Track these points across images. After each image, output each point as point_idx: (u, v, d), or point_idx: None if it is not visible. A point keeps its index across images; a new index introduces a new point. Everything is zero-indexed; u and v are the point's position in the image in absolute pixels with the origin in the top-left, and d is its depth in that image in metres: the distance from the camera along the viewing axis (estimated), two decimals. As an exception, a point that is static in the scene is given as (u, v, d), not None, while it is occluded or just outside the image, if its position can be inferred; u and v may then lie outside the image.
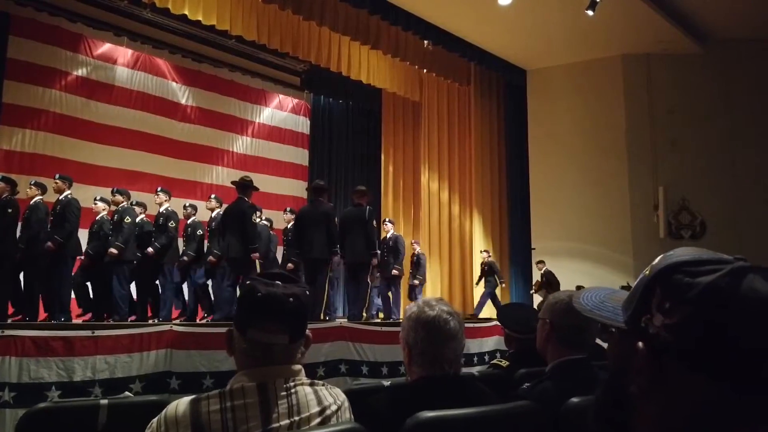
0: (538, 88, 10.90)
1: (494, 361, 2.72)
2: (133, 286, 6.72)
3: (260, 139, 11.31)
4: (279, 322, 1.28)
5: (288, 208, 8.59)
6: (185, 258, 7.10)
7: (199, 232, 7.32)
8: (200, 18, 8.18)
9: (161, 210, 6.97)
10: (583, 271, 9.44)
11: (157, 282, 6.88)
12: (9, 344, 3.67)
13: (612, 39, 9.59)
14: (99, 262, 6.39)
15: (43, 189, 6.21)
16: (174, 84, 10.20)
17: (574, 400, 1.60)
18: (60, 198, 6.16)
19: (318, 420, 1.28)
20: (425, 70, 10.81)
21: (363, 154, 12.07)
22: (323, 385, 1.37)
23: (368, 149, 12.03)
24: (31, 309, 5.88)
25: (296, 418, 1.25)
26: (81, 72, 9.11)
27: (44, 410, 1.65)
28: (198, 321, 6.81)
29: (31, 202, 6.07)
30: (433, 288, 10.55)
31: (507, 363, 2.67)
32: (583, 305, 0.74)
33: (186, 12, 7.99)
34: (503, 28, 9.37)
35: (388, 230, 8.33)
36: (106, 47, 9.41)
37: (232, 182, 6.24)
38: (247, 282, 1.35)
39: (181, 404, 1.22)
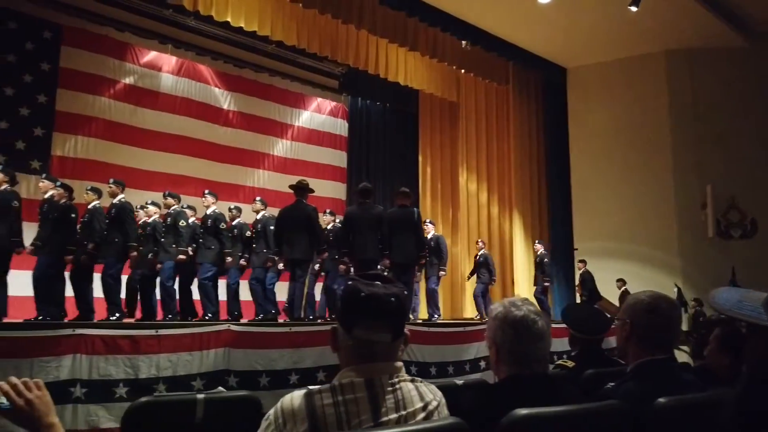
0: (578, 86, 10.78)
1: (559, 362, 2.73)
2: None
3: (299, 142, 11.46)
4: (382, 321, 1.34)
5: (328, 210, 8.67)
6: (230, 258, 7.24)
7: (246, 233, 7.46)
8: (242, 24, 8.36)
9: (208, 212, 7.12)
10: (629, 272, 9.29)
11: (205, 282, 7.03)
12: (80, 342, 3.84)
13: (655, 34, 9.43)
14: (151, 264, 6.58)
15: (99, 194, 6.44)
16: (216, 89, 10.43)
17: (662, 400, 1.62)
18: (114, 202, 6.37)
19: (422, 415, 1.33)
20: (463, 71, 10.81)
21: (400, 156, 12.10)
22: (421, 381, 1.42)
23: (406, 151, 12.06)
24: (90, 309, 6.10)
25: (403, 413, 1.31)
26: (128, 80, 9.40)
27: (147, 404, 1.74)
28: (247, 321, 6.94)
29: (89, 206, 6.29)
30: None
31: (572, 363, 2.68)
32: (722, 305, 0.76)
33: (228, 19, 8.18)
34: (542, 26, 9.30)
35: (429, 231, 8.36)
36: (151, 55, 9.69)
37: (290, 186, 6.38)
38: (349, 282, 1.41)
39: (295, 398, 1.28)
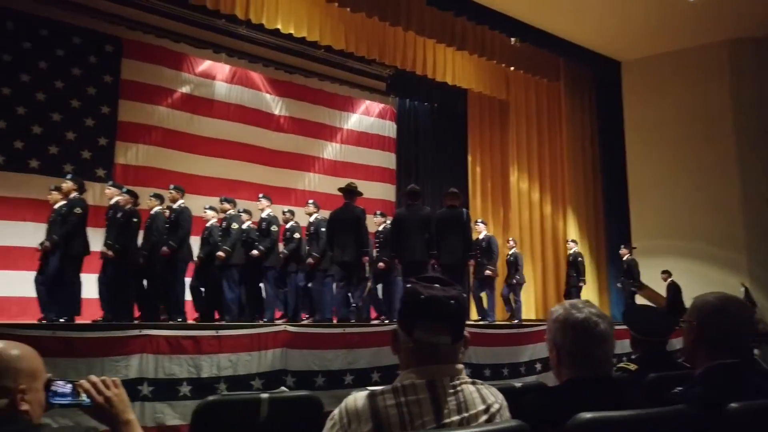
0: (634, 80, 10.45)
1: (621, 365, 2.66)
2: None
3: (348, 144, 11.58)
4: (442, 323, 1.35)
5: (378, 212, 8.72)
6: (283, 258, 7.39)
7: (297, 235, 7.60)
8: (291, 31, 8.53)
9: (263, 215, 7.29)
10: (691, 271, 8.93)
11: (261, 284, 7.22)
12: (146, 343, 4.02)
13: (717, 23, 9.02)
14: (210, 267, 6.81)
15: (161, 199, 6.72)
16: (268, 96, 10.67)
17: (734, 405, 1.56)
18: (174, 207, 6.64)
19: (485, 417, 1.34)
20: (512, 68, 10.66)
21: (449, 156, 12.04)
22: (482, 384, 1.42)
23: (455, 151, 11.99)
24: (153, 311, 6.36)
25: (465, 415, 1.31)
26: (185, 89, 9.74)
27: (215, 402, 1.81)
28: (301, 322, 7.08)
29: (152, 212, 6.57)
30: (527, 290, 10.36)
31: (635, 367, 2.61)
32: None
33: (279, 26, 8.36)
34: (594, 19, 9.07)
35: (481, 231, 8.28)
36: (206, 64, 10.01)
37: (339, 189, 6.48)
38: (408, 285, 1.43)
39: (358, 398, 1.31)
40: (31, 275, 6.39)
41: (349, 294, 6.21)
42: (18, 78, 8.17)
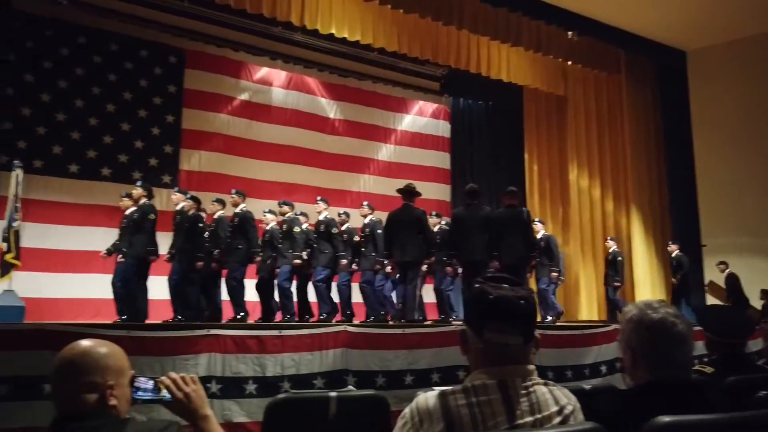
0: (700, 70, 9.97)
1: (697, 367, 2.55)
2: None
3: (402, 145, 11.61)
4: (512, 324, 1.34)
5: (434, 213, 8.68)
6: (344, 261, 7.48)
7: (355, 237, 7.68)
8: (345, 35, 8.63)
9: (321, 218, 7.41)
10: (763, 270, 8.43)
11: (320, 284, 7.33)
12: (214, 342, 4.16)
13: (791, 6, 8.50)
14: (270, 268, 6.98)
15: (222, 204, 6.95)
16: (323, 100, 10.85)
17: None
18: (237, 211, 6.85)
19: (558, 419, 1.31)
20: (569, 62, 10.39)
21: (505, 154, 11.85)
22: (554, 385, 1.39)
23: (510, 149, 11.79)
24: (218, 311, 6.59)
25: (538, 416, 1.30)
26: (244, 96, 10.03)
27: (285, 400, 1.86)
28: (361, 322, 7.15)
29: (215, 216, 6.81)
30: (588, 290, 10.09)
31: (711, 369, 2.49)
32: None
33: (333, 30, 8.47)
34: (656, 7, 8.71)
35: (539, 230, 8.11)
36: (263, 71, 10.28)
37: (398, 190, 6.50)
38: (476, 285, 1.42)
39: (429, 398, 1.31)
40: (105, 278, 6.75)
41: (393, 292, 6.22)
42: (90, 90, 8.64)
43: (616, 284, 8.77)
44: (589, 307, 10.01)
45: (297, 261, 6.81)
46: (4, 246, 6.46)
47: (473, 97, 12.10)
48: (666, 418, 1.35)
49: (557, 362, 5.51)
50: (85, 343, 1.44)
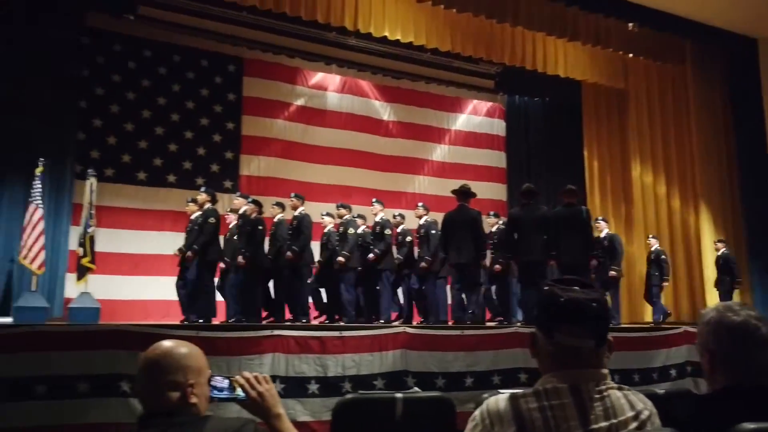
0: (774, 57, 9.41)
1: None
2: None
3: (457, 145, 11.54)
4: (584, 327, 1.31)
5: (491, 213, 8.59)
6: (398, 262, 7.52)
7: (409, 238, 7.69)
8: (399, 36, 8.65)
9: (377, 219, 7.48)
10: None
11: (378, 287, 7.39)
12: (277, 343, 4.28)
13: None
14: (329, 270, 7.10)
15: (282, 207, 7.12)
16: (376, 102, 10.92)
17: None
18: (296, 214, 7.00)
19: (634, 425, 1.28)
20: (630, 55, 10.04)
21: (563, 152, 11.55)
22: (629, 390, 1.36)
23: (569, 145, 11.48)
24: (279, 312, 6.75)
25: (614, 421, 1.27)
26: (300, 102, 10.23)
27: (353, 400, 1.89)
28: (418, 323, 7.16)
29: (275, 219, 6.99)
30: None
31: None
32: None
33: (386, 33, 8.52)
34: (724, -6, 8.30)
35: (602, 229, 7.88)
36: (318, 77, 10.45)
37: (453, 191, 6.49)
38: (545, 288, 1.40)
39: (500, 400, 1.31)
40: (173, 280, 7.05)
41: (463, 296, 6.17)
42: (156, 101, 9.04)
43: (665, 283, 8.41)
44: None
45: (340, 259, 6.86)
46: (80, 251, 6.83)
47: (529, 94, 11.89)
48: (749, 425, 1.30)
49: (623, 365, 5.34)
50: (167, 343, 1.52)
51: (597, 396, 1.28)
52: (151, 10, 8.61)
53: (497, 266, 7.24)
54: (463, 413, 1.48)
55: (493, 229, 7.94)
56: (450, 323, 6.49)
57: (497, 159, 11.84)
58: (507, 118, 12.00)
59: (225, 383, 1.56)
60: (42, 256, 6.58)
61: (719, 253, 8.64)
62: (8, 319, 6.03)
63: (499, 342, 4.98)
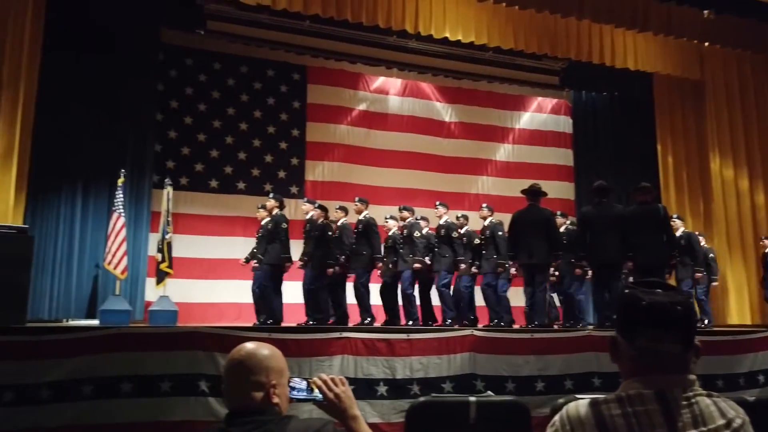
0: None
1: None
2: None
3: (521, 144, 11.33)
4: (668, 331, 1.26)
5: (559, 212, 8.36)
6: (463, 265, 7.45)
7: (476, 240, 7.61)
8: (460, 37, 8.60)
9: (441, 222, 7.45)
10: None
11: (443, 289, 7.35)
12: (346, 344, 4.35)
13: None
14: (396, 274, 7.14)
15: (346, 211, 7.23)
16: (438, 104, 10.90)
17: None
18: (360, 218, 7.09)
19: (726, 433, 1.22)
20: (706, 44, 9.52)
21: (634, 147, 11.08)
22: (719, 396, 1.30)
23: (640, 141, 11.00)
24: (345, 314, 6.85)
25: (703, 429, 1.21)
26: (362, 107, 10.36)
27: (427, 403, 1.90)
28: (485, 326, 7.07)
29: (339, 223, 7.11)
30: (739, 292, 9.13)
31: None
32: None
33: (447, 34, 8.48)
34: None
35: (678, 228, 7.51)
36: (380, 81, 10.55)
37: (522, 191, 6.38)
38: (626, 291, 1.36)
39: (581, 406, 1.28)
40: (243, 283, 7.31)
41: (538, 298, 6.04)
42: (225, 111, 9.42)
43: None
44: (739, 310, 9.06)
45: (417, 265, 6.89)
46: (159, 256, 7.21)
47: (596, 89, 11.50)
48: None
49: (706, 370, 5.06)
50: (250, 345, 1.58)
51: (685, 403, 1.23)
52: (220, 24, 8.97)
53: (577, 270, 7.05)
54: (536, 418, 1.45)
55: (562, 229, 7.72)
56: (519, 326, 6.38)
57: (564, 157, 11.53)
58: (574, 114, 11.66)
59: (303, 384, 1.60)
60: (125, 261, 7.00)
61: (766, 250, 8.04)
62: (95, 321, 6.45)
63: (571, 346, 4.84)
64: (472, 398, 1.86)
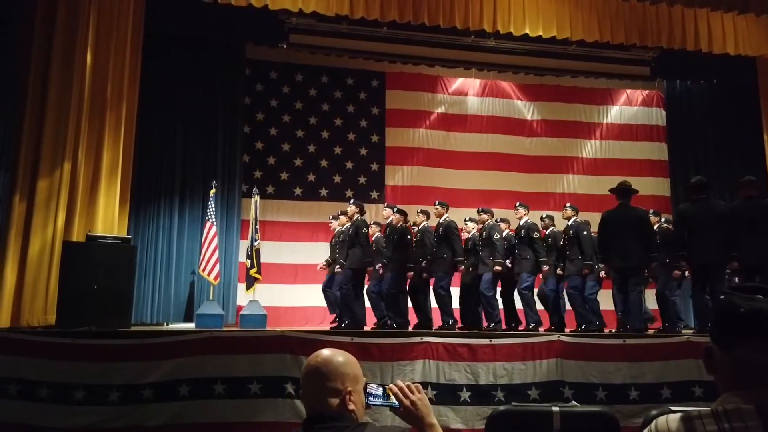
0: None
1: None
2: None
3: (610, 140, 10.82)
4: None
5: (651, 210, 7.88)
6: (546, 267, 7.19)
7: (561, 242, 7.33)
8: (540, 33, 8.31)
9: (521, 223, 7.24)
10: None
11: (525, 292, 7.14)
12: (427, 349, 4.33)
13: None
14: (476, 276, 7.03)
15: (427, 215, 7.21)
16: (519, 102, 10.64)
17: None
18: (440, 221, 7.04)
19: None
20: (819, 21, 8.65)
21: (737, 138, 10.25)
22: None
23: (743, 131, 10.16)
24: (428, 318, 6.83)
25: (814, 450, 1.09)
26: (440, 109, 10.32)
27: (507, 412, 1.85)
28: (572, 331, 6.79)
29: (419, 227, 7.10)
30: None
31: None
32: None
33: (527, 31, 8.24)
34: None
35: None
36: (458, 82, 10.46)
37: (611, 190, 6.10)
38: (723, 297, 1.26)
39: (671, 421, 1.19)
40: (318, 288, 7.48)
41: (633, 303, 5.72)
42: (308, 121, 9.71)
43: None
44: None
45: (497, 268, 6.75)
46: (248, 262, 7.54)
47: (692, 78, 10.73)
48: None
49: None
50: (326, 352, 1.61)
51: (790, 420, 1.11)
52: (301, 37, 9.23)
53: (676, 272, 6.62)
54: (629, 429, 1.37)
55: (656, 227, 7.28)
56: (610, 330, 6.07)
57: (658, 151, 10.88)
58: (667, 106, 10.99)
59: (379, 390, 1.61)
60: (217, 268, 7.39)
61: None
62: (191, 325, 6.85)
63: (668, 352, 4.54)
64: (556, 408, 1.79)
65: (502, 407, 1.83)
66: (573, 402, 1.96)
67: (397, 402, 1.58)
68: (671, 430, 1.18)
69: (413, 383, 1.65)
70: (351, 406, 1.52)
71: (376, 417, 3.22)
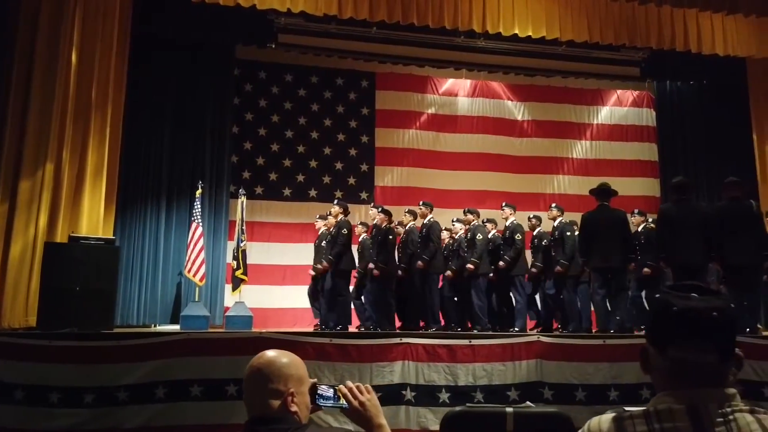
0: None
1: None
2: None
3: (600, 140, 10.82)
4: (703, 340, 1.13)
5: (636, 210, 7.86)
6: (534, 269, 7.19)
7: (545, 242, 7.32)
8: (530, 33, 8.31)
9: (507, 224, 7.23)
10: None
11: (511, 294, 7.12)
12: (407, 350, 4.31)
13: None
14: (459, 277, 7.01)
15: (414, 215, 7.20)
16: (509, 102, 10.63)
17: None
18: (424, 222, 7.03)
19: (770, 455, 1.07)
20: (807, 22, 8.66)
21: (726, 139, 10.25)
22: (765, 412, 1.14)
23: (733, 132, 10.17)
24: (412, 320, 6.80)
25: (740, 449, 1.07)
26: (430, 110, 10.30)
27: (461, 413, 1.83)
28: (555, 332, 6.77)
29: (406, 227, 7.09)
30: None
31: None
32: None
33: (516, 31, 8.24)
34: None
35: (775, 225, 6.82)
36: (448, 83, 10.44)
37: (590, 191, 6.10)
38: (657, 295, 1.24)
39: (603, 421, 1.18)
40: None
41: (607, 303, 5.70)
42: (297, 122, 9.68)
43: None
44: None
45: (469, 266, 6.72)
46: (234, 263, 7.51)
47: (681, 79, 10.74)
48: None
49: (750, 376, 4.56)
50: (270, 353, 1.59)
51: (720, 419, 1.09)
52: (290, 37, 9.19)
53: (646, 269, 6.61)
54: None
55: (639, 228, 7.26)
56: (595, 332, 6.05)
57: (648, 151, 10.89)
58: (657, 106, 11.00)
59: (330, 392, 1.59)
60: (203, 269, 7.36)
61: None
62: (176, 327, 6.81)
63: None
64: (509, 409, 1.77)
65: (456, 408, 1.81)
66: (527, 403, 1.94)
67: (346, 403, 1.56)
68: (603, 430, 1.16)
69: (364, 384, 1.63)
70: (293, 408, 1.50)
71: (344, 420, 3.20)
